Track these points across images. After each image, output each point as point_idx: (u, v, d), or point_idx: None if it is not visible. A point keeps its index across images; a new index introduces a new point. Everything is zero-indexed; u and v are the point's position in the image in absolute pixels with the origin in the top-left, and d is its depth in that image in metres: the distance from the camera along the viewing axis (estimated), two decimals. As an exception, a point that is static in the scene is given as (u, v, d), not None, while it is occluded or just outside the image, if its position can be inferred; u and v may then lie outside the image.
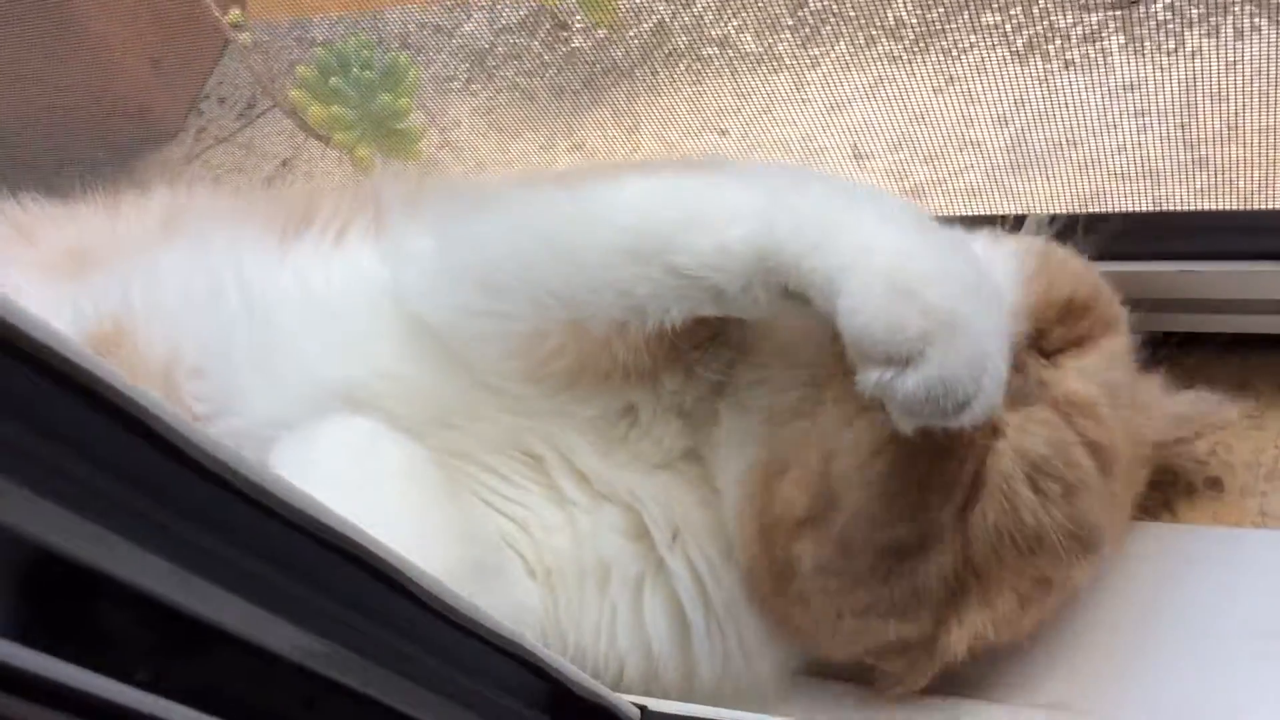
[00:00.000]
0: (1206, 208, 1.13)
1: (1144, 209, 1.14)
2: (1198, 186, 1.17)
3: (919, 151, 1.32)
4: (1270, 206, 1.08)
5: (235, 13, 1.47)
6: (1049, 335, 0.82)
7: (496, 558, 0.87)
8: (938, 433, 0.70)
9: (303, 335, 0.93)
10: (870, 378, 0.66)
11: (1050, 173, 1.24)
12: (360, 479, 0.86)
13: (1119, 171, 1.20)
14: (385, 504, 0.85)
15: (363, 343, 0.92)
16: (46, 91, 1.72)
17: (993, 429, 0.77)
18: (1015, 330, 0.78)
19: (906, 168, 1.32)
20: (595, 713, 0.82)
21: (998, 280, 0.79)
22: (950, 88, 1.34)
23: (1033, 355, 0.81)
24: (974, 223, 0.95)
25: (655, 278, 0.75)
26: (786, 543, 0.81)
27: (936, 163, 1.31)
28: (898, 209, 0.72)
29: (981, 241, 0.87)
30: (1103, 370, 0.82)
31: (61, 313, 1.04)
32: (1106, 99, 1.26)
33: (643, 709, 0.87)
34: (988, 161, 1.28)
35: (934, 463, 0.75)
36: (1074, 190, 1.21)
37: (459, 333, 0.86)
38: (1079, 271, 0.88)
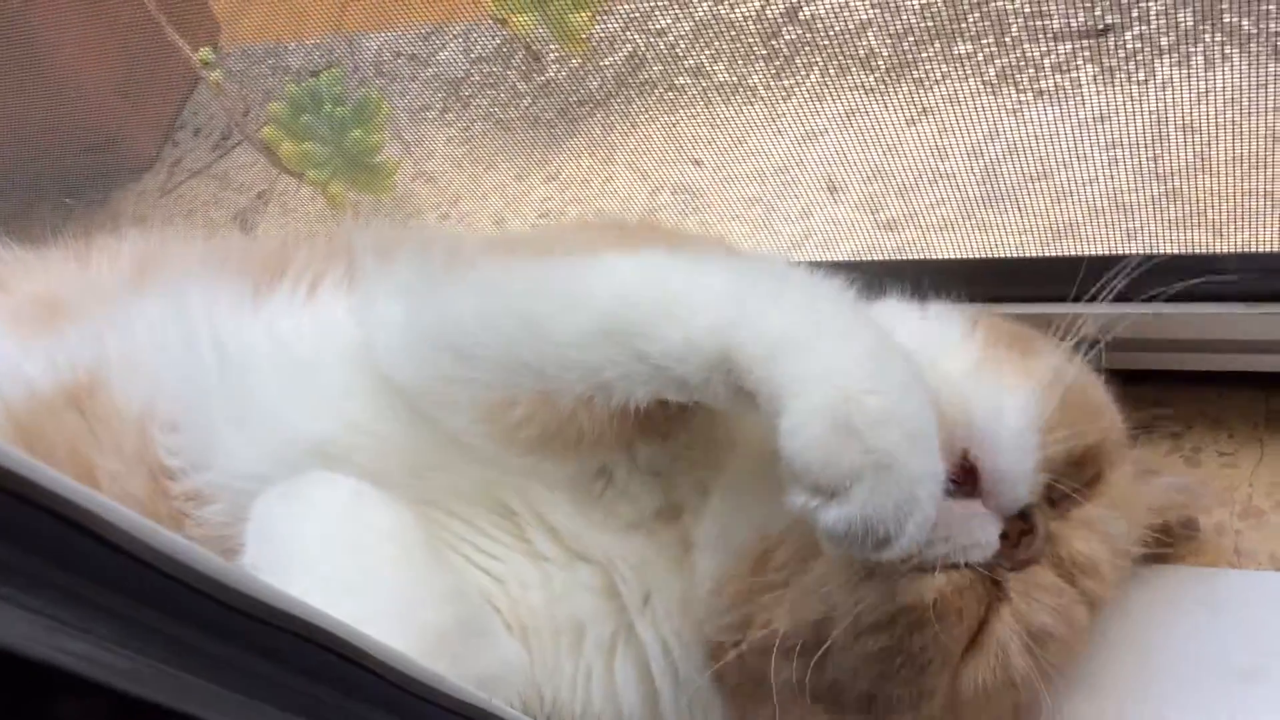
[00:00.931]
0: (1176, 239, 1.14)
1: (1116, 251, 1.14)
2: (1169, 218, 1.17)
3: (892, 184, 1.32)
4: (1240, 248, 1.09)
5: (205, 51, 1.46)
6: (1058, 484, 0.80)
7: (481, 615, 0.86)
8: (941, 603, 0.73)
9: (275, 390, 0.93)
10: (796, 500, 0.66)
11: (1022, 205, 1.24)
12: (349, 542, 0.86)
13: (1090, 204, 1.21)
14: (375, 567, 0.84)
15: (335, 398, 0.91)
16: (12, 123, 1.71)
17: (996, 587, 0.78)
18: (1033, 483, 0.78)
19: (880, 200, 1.33)
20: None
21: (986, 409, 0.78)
22: (923, 119, 1.34)
23: (1042, 507, 0.80)
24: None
25: (624, 361, 0.75)
26: (762, 660, 0.81)
27: (910, 195, 1.31)
28: (862, 333, 0.71)
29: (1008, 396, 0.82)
30: (1111, 519, 0.83)
31: (34, 364, 1.03)
32: (1078, 130, 1.26)
33: (618, 765, 0.87)
34: (961, 194, 1.28)
35: (936, 633, 0.75)
36: (1045, 223, 1.22)
37: (429, 398, 0.86)
38: (1100, 409, 0.88)
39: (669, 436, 0.85)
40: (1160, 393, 1.07)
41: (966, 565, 0.76)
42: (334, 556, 0.85)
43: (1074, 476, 0.81)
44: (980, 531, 0.76)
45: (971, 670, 0.78)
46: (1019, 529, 0.78)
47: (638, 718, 0.90)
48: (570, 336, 0.77)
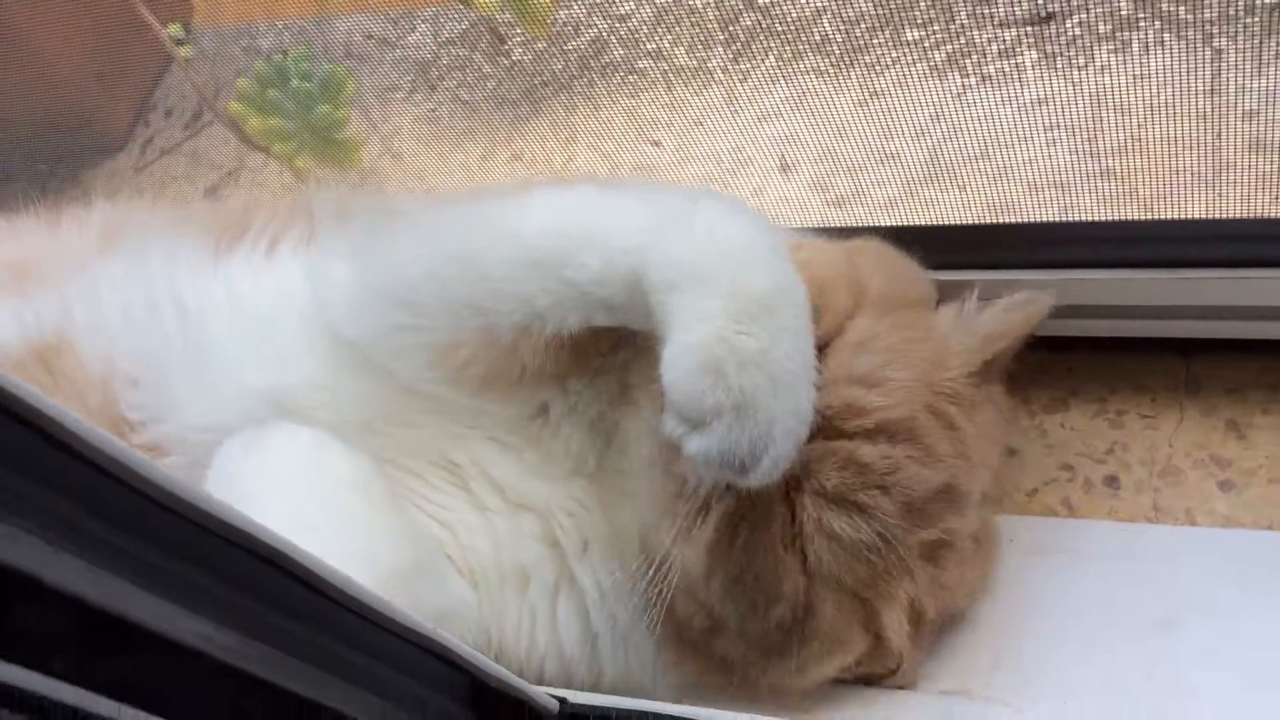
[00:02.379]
0: (1109, 216, 1.19)
1: (1051, 219, 1.19)
2: (1102, 195, 1.22)
3: (842, 164, 1.36)
4: (1167, 216, 1.14)
5: (175, 26, 1.49)
6: None
7: (434, 558, 0.91)
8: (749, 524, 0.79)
9: (233, 345, 0.97)
10: (667, 425, 0.73)
11: (963, 184, 1.29)
12: (310, 487, 0.89)
13: (1029, 182, 1.25)
14: (335, 511, 0.88)
15: (290, 354, 0.95)
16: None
17: (789, 483, 0.82)
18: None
19: (830, 179, 1.37)
20: (514, 706, 0.86)
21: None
22: (873, 101, 1.38)
23: None
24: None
25: (554, 289, 0.80)
26: (681, 606, 0.86)
27: (858, 174, 1.35)
28: (757, 274, 0.73)
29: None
30: (856, 357, 0.84)
31: (3, 325, 1.06)
32: (1019, 113, 1.31)
33: (562, 700, 0.91)
34: (906, 174, 1.32)
35: (756, 549, 0.80)
36: (985, 200, 1.26)
37: (381, 348, 0.90)
38: (816, 262, 0.89)
39: (599, 373, 0.89)
40: (1087, 359, 1.12)
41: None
42: (294, 499, 0.88)
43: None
44: None
45: (814, 558, 0.82)
46: None
47: (579, 659, 0.94)
48: (503, 270, 0.81)
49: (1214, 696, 0.88)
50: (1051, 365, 1.11)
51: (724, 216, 0.78)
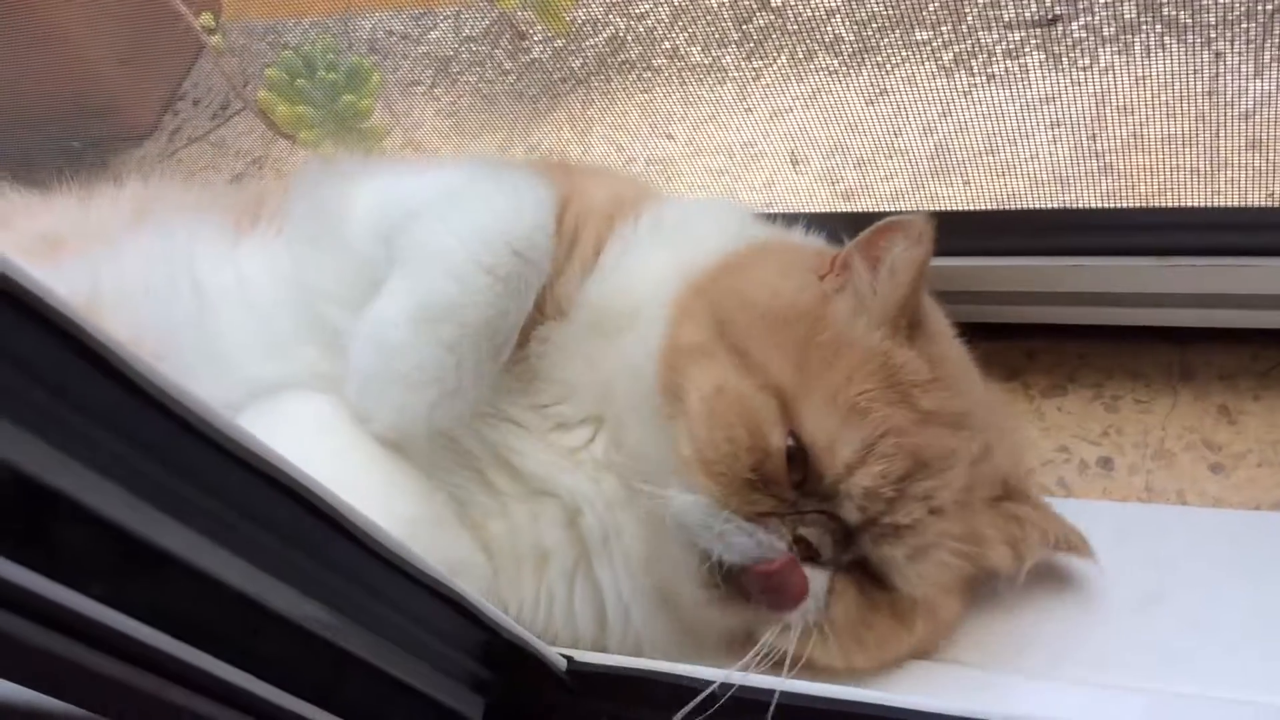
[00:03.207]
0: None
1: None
2: (1103, 191, 1.26)
3: (850, 158, 1.40)
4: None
5: (207, 15, 1.54)
6: None
7: (447, 514, 0.93)
8: None
9: (241, 330, 0.99)
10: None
11: (968, 178, 1.32)
12: (323, 446, 0.92)
13: (1032, 177, 1.29)
14: (348, 466, 0.90)
15: (292, 341, 0.98)
16: (14, 89, 1.76)
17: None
18: None
19: (838, 172, 1.41)
20: (526, 661, 0.89)
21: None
22: (882, 99, 1.42)
23: None
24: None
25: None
26: None
27: (866, 168, 1.39)
28: (442, 282, 0.86)
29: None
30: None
31: (36, 292, 1.10)
32: (1024, 110, 1.35)
33: (570, 659, 0.94)
34: (913, 168, 1.36)
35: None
36: (990, 194, 1.30)
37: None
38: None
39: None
40: (1085, 347, 1.15)
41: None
42: (307, 458, 0.91)
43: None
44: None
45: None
46: None
47: (590, 640, 0.97)
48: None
49: (1198, 666, 0.91)
50: (1051, 352, 1.15)
51: (477, 213, 0.88)
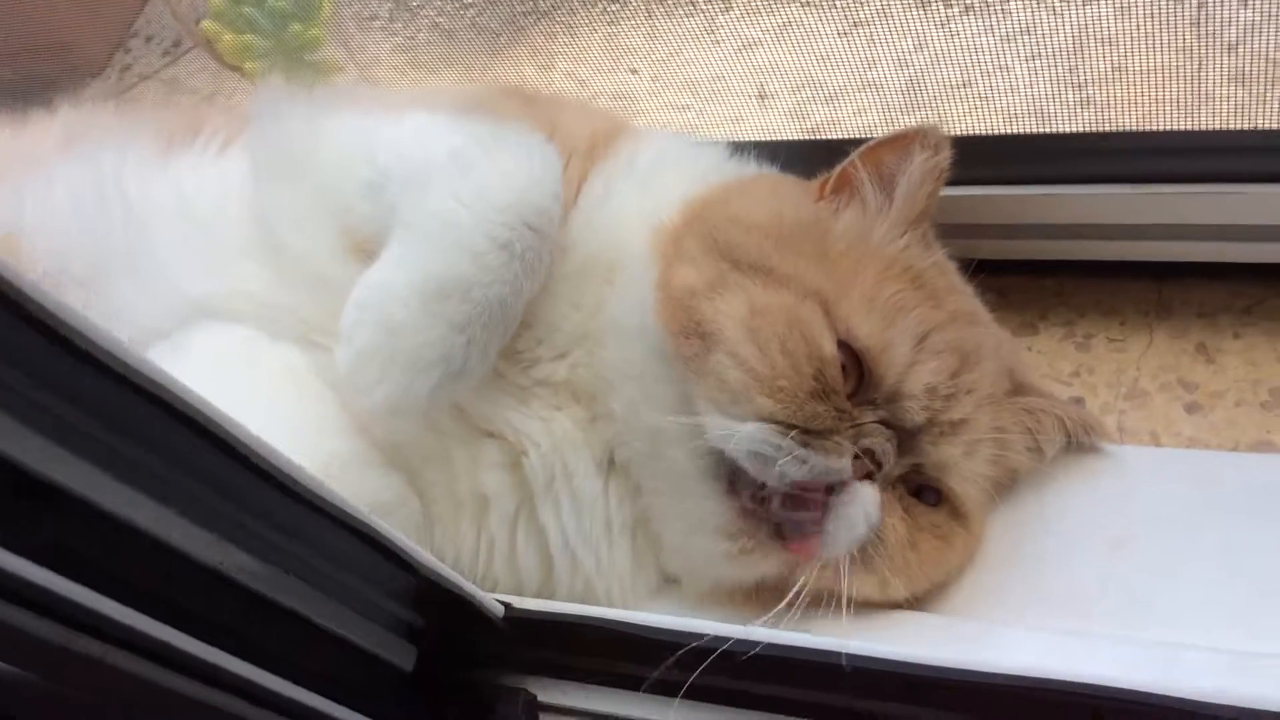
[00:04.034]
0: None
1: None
2: (1081, 125, 1.20)
3: (820, 92, 1.34)
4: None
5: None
6: None
7: (374, 451, 0.87)
8: None
9: (173, 247, 0.95)
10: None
11: (942, 113, 1.26)
12: (243, 379, 0.88)
13: (1008, 111, 1.23)
14: (269, 399, 0.87)
15: (230, 257, 0.93)
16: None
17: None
18: None
19: (807, 107, 1.35)
20: (460, 607, 0.84)
21: None
22: (855, 31, 1.36)
23: None
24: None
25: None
26: None
27: (836, 103, 1.33)
28: (446, 261, 0.80)
29: None
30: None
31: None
32: (1002, 42, 1.28)
33: (507, 605, 0.89)
34: (885, 102, 1.30)
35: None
36: (964, 129, 1.24)
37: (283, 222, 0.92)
38: None
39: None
40: (1059, 284, 1.10)
41: None
42: (226, 392, 0.86)
43: None
44: None
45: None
46: None
47: (535, 585, 0.92)
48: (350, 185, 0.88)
49: (1168, 612, 0.86)
50: (1023, 289, 1.10)
51: (489, 182, 0.82)
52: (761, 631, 0.81)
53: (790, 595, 0.81)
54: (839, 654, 0.78)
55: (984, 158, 1.07)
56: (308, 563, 0.72)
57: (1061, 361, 1.04)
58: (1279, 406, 0.96)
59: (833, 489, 0.79)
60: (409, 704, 0.81)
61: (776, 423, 0.78)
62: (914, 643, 0.86)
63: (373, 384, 0.78)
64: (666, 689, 0.87)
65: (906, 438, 0.83)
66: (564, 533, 0.90)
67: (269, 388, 0.87)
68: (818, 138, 1.29)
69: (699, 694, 0.86)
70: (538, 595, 0.93)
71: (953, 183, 1.04)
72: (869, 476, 0.81)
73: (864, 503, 0.80)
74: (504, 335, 0.83)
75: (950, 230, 1.09)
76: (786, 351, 0.79)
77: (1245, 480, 0.92)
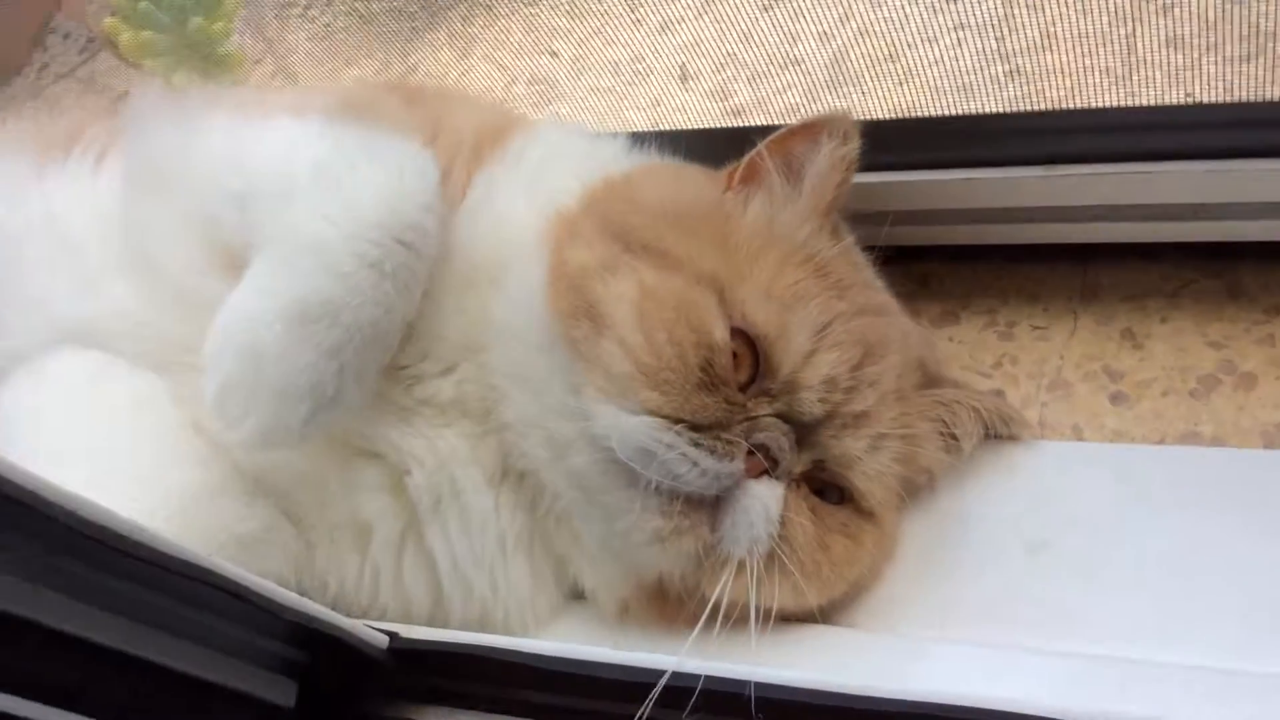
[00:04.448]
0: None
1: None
2: (1009, 97, 1.14)
3: (743, 71, 1.28)
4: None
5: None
6: None
7: (234, 481, 0.83)
8: None
9: (42, 269, 0.90)
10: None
11: (866, 89, 1.21)
12: (93, 409, 0.84)
13: (934, 85, 1.18)
14: (119, 431, 0.82)
15: (102, 278, 0.88)
16: None
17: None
18: None
19: (730, 87, 1.29)
20: (339, 641, 0.80)
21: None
22: (778, 5, 1.30)
23: None
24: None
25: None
26: None
27: (759, 82, 1.27)
28: (297, 284, 0.74)
29: None
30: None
31: None
32: (928, 13, 1.22)
33: (393, 635, 0.85)
34: (808, 79, 1.24)
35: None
36: (888, 105, 1.18)
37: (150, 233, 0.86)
38: None
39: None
40: (981, 269, 1.04)
41: None
42: (76, 423, 0.82)
43: None
44: None
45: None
46: None
47: (426, 614, 0.88)
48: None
49: (1089, 621, 0.81)
50: (945, 276, 1.04)
51: (356, 197, 0.76)
52: (665, 659, 0.77)
53: (707, 611, 0.77)
54: (745, 683, 0.74)
55: (903, 141, 1.01)
56: (162, 609, 0.68)
57: (983, 352, 0.99)
58: (1208, 395, 0.91)
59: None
60: (292, 742, 0.78)
61: (663, 417, 0.74)
62: (825, 666, 0.82)
63: (240, 416, 0.73)
64: (566, 716, 0.84)
65: (806, 432, 0.78)
66: (453, 555, 0.85)
67: (116, 419, 0.82)
68: (726, 125, 1.23)
69: (598, 721, 0.82)
70: (429, 622, 0.88)
71: (872, 168, 0.99)
72: (766, 473, 0.77)
73: (763, 499, 0.76)
74: (381, 358, 0.78)
75: (870, 217, 1.04)
76: (674, 339, 0.75)
77: (1171, 476, 0.87)
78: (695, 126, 1.13)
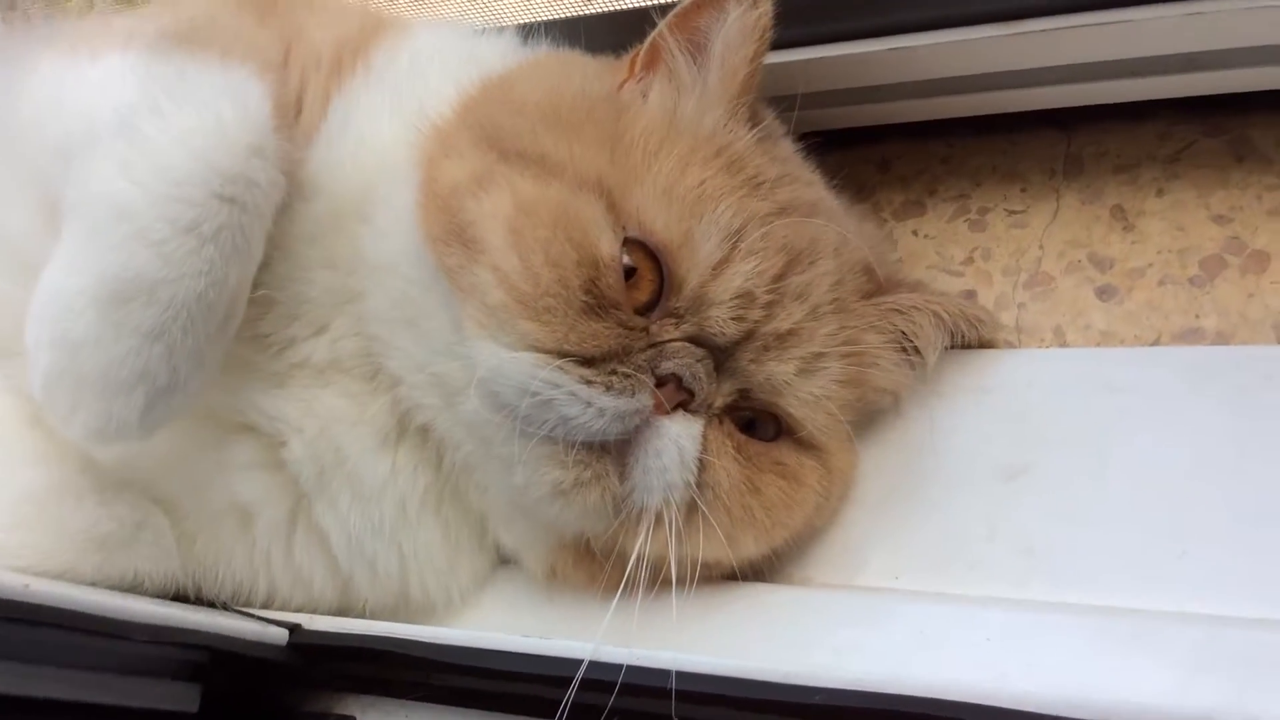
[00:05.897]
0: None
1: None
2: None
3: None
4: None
5: None
6: None
7: (81, 479, 0.74)
8: None
9: None
10: None
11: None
12: None
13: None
14: None
15: None
16: None
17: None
18: None
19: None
20: (233, 641, 0.74)
21: None
22: None
23: None
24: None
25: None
26: None
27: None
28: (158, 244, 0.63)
29: None
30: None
31: None
32: None
33: (295, 627, 0.77)
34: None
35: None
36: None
37: None
38: None
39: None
40: (949, 147, 0.90)
41: None
42: None
43: None
44: None
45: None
46: None
47: (330, 596, 0.79)
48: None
49: (1070, 565, 0.71)
50: (909, 159, 0.90)
51: (162, 147, 0.64)
52: (580, 646, 0.68)
53: (627, 572, 0.68)
54: (666, 672, 0.65)
55: (838, 8, 0.86)
56: (40, 643, 0.66)
57: (952, 246, 0.86)
58: (1211, 282, 0.78)
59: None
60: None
61: (545, 351, 0.64)
62: (758, 640, 0.72)
63: (68, 412, 0.63)
64: (492, 703, 0.76)
65: (724, 357, 0.69)
66: (348, 530, 0.77)
67: None
68: (631, 5, 1.07)
69: (526, 707, 0.74)
70: (340, 607, 0.80)
71: (816, 41, 0.85)
72: (681, 408, 0.67)
73: (675, 439, 0.67)
74: (219, 333, 0.67)
75: (821, 98, 0.90)
76: (551, 260, 0.65)
77: (1166, 384, 0.74)
78: (598, 10, 0.98)
